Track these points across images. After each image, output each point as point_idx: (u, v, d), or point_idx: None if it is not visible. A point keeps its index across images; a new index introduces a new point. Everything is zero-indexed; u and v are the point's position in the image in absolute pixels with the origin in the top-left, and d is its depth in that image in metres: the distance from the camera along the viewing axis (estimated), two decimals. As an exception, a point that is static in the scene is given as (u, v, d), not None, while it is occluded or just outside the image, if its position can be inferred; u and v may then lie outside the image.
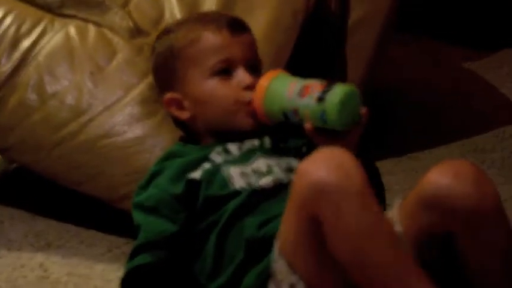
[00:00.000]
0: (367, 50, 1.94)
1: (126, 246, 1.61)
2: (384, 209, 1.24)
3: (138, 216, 1.34)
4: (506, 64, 2.65)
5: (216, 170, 1.33)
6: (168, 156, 1.38)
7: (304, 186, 1.14)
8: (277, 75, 1.36)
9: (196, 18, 1.45)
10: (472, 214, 1.14)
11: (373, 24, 1.94)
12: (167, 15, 1.75)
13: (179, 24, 1.46)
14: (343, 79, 1.92)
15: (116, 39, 1.71)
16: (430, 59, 2.73)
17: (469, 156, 2.00)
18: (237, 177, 1.32)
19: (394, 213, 1.21)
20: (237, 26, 1.41)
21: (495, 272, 1.16)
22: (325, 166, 1.13)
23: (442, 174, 1.15)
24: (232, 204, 1.30)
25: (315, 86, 1.30)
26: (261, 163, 1.34)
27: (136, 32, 1.72)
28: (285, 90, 1.32)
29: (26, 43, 1.70)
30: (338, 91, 1.28)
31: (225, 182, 1.32)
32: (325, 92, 1.28)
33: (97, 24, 1.73)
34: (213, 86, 1.37)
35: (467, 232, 1.15)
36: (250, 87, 1.36)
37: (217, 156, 1.36)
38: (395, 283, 1.11)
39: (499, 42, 2.78)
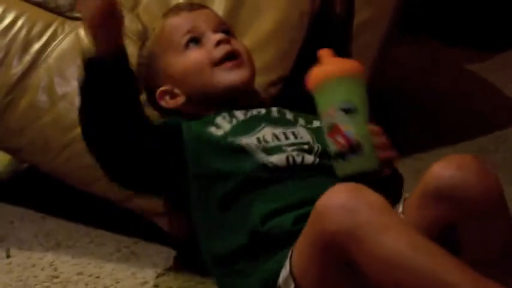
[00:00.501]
0: (372, 52, 1.95)
1: (135, 245, 1.63)
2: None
3: None
4: (508, 65, 2.66)
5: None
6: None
7: (328, 230, 1.10)
8: (347, 75, 1.29)
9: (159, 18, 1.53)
10: (476, 205, 1.14)
11: (379, 26, 1.95)
12: (176, 18, 1.78)
13: (149, 30, 1.55)
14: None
15: (125, 42, 1.72)
16: (432, 60, 2.74)
17: (473, 157, 2.01)
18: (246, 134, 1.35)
19: (399, 209, 1.22)
20: (192, 4, 1.49)
21: (494, 262, 1.16)
22: (339, 206, 1.10)
23: (445, 167, 1.15)
24: (242, 169, 1.30)
25: (340, 138, 1.25)
26: (266, 132, 1.36)
27: (144, 34, 1.74)
28: (327, 107, 1.26)
29: (36, 45, 1.73)
30: (355, 165, 1.24)
31: (234, 132, 1.35)
32: (345, 154, 1.24)
33: (106, 27, 1.75)
34: (188, 57, 1.43)
35: (470, 223, 1.15)
36: (223, 41, 1.42)
37: (222, 121, 1.38)
38: None
39: (501, 44, 2.79)
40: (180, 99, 1.44)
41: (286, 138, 1.34)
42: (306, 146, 1.33)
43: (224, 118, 1.38)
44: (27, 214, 1.80)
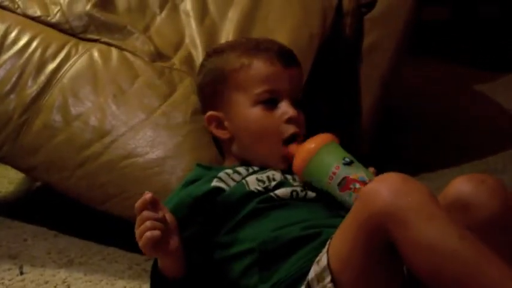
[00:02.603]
0: (380, 72, 1.97)
1: (147, 263, 1.64)
2: None
3: None
4: (516, 86, 2.68)
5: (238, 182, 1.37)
6: (193, 180, 1.41)
7: (379, 210, 1.11)
8: (329, 143, 1.35)
9: (249, 44, 1.47)
10: (492, 225, 1.14)
11: (387, 47, 1.97)
12: (187, 40, 1.80)
13: (231, 46, 1.49)
14: (357, 101, 1.96)
15: (138, 63, 1.75)
16: (441, 80, 2.76)
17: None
18: (252, 182, 1.36)
19: None
20: (289, 59, 1.44)
21: None
22: (392, 189, 1.12)
23: (467, 181, 1.16)
24: (250, 206, 1.33)
25: (357, 184, 1.30)
26: (275, 173, 1.39)
27: (157, 55, 1.77)
28: (328, 170, 1.32)
29: (51, 66, 1.76)
30: None
31: (242, 186, 1.36)
32: None
33: (119, 48, 1.78)
34: (256, 114, 1.41)
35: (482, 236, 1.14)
36: (293, 120, 1.40)
37: (243, 170, 1.40)
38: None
39: (509, 64, 2.81)
40: (224, 134, 1.44)
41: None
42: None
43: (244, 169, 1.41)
44: (40, 232, 1.82)
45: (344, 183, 1.30)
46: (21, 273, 1.64)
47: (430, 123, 2.42)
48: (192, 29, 1.82)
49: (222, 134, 1.45)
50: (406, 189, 1.11)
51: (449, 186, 1.18)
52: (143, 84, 1.72)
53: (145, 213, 1.24)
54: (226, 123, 1.44)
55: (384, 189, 1.12)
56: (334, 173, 1.31)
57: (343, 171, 1.31)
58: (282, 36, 1.77)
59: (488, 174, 1.22)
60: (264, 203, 1.34)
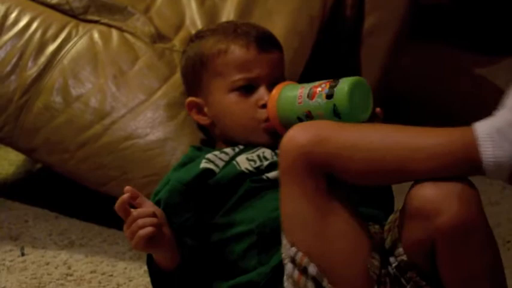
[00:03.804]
0: (381, 56, 1.97)
1: (148, 244, 1.65)
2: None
3: None
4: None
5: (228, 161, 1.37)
6: (185, 162, 1.41)
7: (298, 147, 1.16)
8: (287, 84, 1.39)
9: (228, 29, 1.45)
10: (455, 231, 1.11)
11: (388, 30, 1.97)
12: (187, 21, 1.80)
13: (211, 31, 1.47)
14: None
15: (138, 44, 1.75)
16: (442, 65, 2.75)
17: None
18: (243, 162, 1.36)
19: (388, 224, 1.22)
20: (266, 43, 1.42)
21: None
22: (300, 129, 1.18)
23: (426, 188, 1.13)
24: (243, 187, 1.33)
25: (322, 85, 1.32)
26: (265, 150, 1.38)
27: (157, 37, 1.76)
28: (295, 95, 1.35)
29: (51, 47, 1.75)
30: (345, 82, 1.30)
31: (233, 166, 1.35)
32: (332, 87, 1.30)
33: (120, 29, 1.78)
34: (232, 101, 1.40)
35: (447, 250, 1.12)
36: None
37: (229, 150, 1.39)
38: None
39: (510, 48, 2.80)
40: (204, 120, 1.44)
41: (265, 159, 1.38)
42: None
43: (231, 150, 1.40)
44: (41, 213, 1.83)
45: (312, 92, 1.32)
46: (23, 254, 1.65)
47: (430, 108, 2.41)
48: (192, 10, 1.81)
49: (202, 120, 1.44)
50: (311, 126, 1.19)
51: (410, 194, 1.15)
52: (143, 65, 1.72)
53: (136, 212, 1.23)
54: (205, 109, 1.43)
55: (298, 134, 1.17)
56: (301, 94, 1.33)
57: (307, 88, 1.33)
58: (282, 18, 1.76)
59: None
60: (257, 183, 1.34)
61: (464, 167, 1.12)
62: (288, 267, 1.19)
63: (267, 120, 1.38)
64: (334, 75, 1.90)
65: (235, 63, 1.40)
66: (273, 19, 1.77)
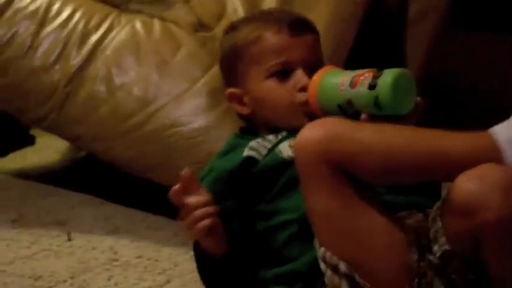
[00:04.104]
0: (425, 44, 1.95)
1: (192, 230, 1.68)
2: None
3: None
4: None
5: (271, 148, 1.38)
6: (228, 150, 1.42)
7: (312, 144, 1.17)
8: (329, 70, 1.38)
9: (260, 17, 1.46)
10: (501, 225, 1.10)
11: (431, 18, 1.95)
12: (229, 10, 1.81)
13: (244, 21, 1.49)
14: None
15: (180, 33, 1.77)
16: (486, 53, 2.72)
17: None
18: (285, 149, 1.36)
19: (432, 213, 1.22)
20: (299, 27, 1.42)
21: None
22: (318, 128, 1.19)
23: (466, 182, 1.12)
24: (286, 174, 1.33)
25: (365, 74, 1.31)
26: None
27: (199, 26, 1.78)
28: (337, 83, 1.34)
29: (94, 37, 1.78)
30: (388, 75, 1.29)
31: (275, 154, 1.36)
32: (375, 77, 1.29)
33: (162, 18, 1.80)
34: (270, 87, 1.40)
35: (494, 243, 1.12)
36: (307, 89, 1.39)
37: (272, 137, 1.40)
38: None
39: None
40: (245, 110, 1.45)
41: None
42: None
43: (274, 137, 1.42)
44: (87, 199, 1.86)
45: (354, 80, 1.31)
46: (69, 239, 1.68)
47: (478, 98, 2.39)
48: (234, -1, 1.83)
49: (243, 110, 1.45)
50: (327, 122, 1.20)
51: (452, 188, 1.14)
52: (186, 54, 1.74)
53: (191, 201, 1.24)
54: (245, 99, 1.44)
55: (312, 133, 1.18)
56: (343, 81, 1.33)
57: (350, 76, 1.33)
58: (325, 4, 1.76)
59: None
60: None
61: None
62: (322, 266, 1.20)
63: (306, 103, 1.39)
64: (378, 62, 1.90)
65: (269, 50, 1.40)
66: (316, 6, 1.77)
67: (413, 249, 1.17)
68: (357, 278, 1.17)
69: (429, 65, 1.96)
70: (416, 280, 1.16)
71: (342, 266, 1.17)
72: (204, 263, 1.34)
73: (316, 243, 1.20)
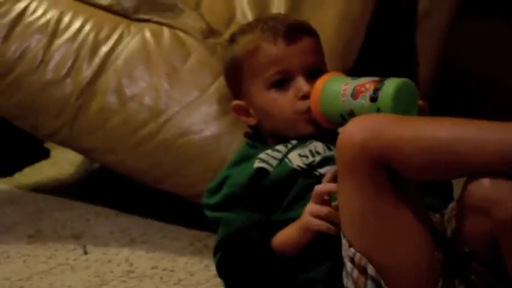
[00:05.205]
0: (437, 38, 1.94)
1: (208, 239, 1.66)
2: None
3: (213, 214, 1.39)
4: None
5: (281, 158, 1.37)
6: (240, 160, 1.42)
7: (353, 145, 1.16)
8: (331, 77, 1.37)
9: (255, 27, 1.44)
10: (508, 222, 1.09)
11: (443, 12, 1.94)
12: (238, 15, 1.81)
13: (241, 32, 1.47)
14: (415, 66, 1.93)
15: (190, 41, 1.76)
16: (501, 43, 2.70)
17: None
18: (295, 158, 1.36)
19: (447, 214, 1.22)
20: (295, 33, 1.40)
21: None
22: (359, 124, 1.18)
23: (484, 182, 1.11)
24: (297, 184, 1.33)
25: (367, 85, 1.30)
26: (317, 144, 1.38)
27: (209, 32, 1.77)
28: (339, 92, 1.33)
29: (104, 48, 1.78)
30: (390, 86, 1.28)
31: (285, 164, 1.36)
32: (376, 90, 1.29)
33: (171, 26, 1.79)
34: (271, 98, 1.40)
35: (509, 243, 1.11)
36: (308, 96, 1.38)
37: (282, 148, 1.40)
38: None
39: None
40: (252, 121, 1.45)
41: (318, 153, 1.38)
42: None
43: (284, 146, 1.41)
44: (102, 212, 1.85)
45: (356, 91, 1.31)
46: (85, 252, 1.68)
47: (491, 88, 2.37)
48: (242, 3, 1.82)
49: (250, 121, 1.45)
50: (369, 118, 1.18)
51: (466, 191, 1.13)
52: (196, 61, 1.73)
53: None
54: (251, 111, 1.44)
55: (354, 129, 1.16)
56: (344, 91, 1.32)
57: (351, 85, 1.32)
58: (333, 6, 1.75)
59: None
60: (310, 179, 1.34)
61: None
62: (348, 266, 1.19)
63: (308, 110, 1.38)
64: (389, 60, 1.88)
65: (266, 60, 1.40)
66: (324, 7, 1.77)
67: (440, 249, 1.16)
68: (383, 284, 1.16)
69: (443, 58, 1.95)
70: (440, 283, 1.15)
71: (370, 270, 1.17)
72: (269, 261, 1.33)
73: (345, 243, 1.19)
